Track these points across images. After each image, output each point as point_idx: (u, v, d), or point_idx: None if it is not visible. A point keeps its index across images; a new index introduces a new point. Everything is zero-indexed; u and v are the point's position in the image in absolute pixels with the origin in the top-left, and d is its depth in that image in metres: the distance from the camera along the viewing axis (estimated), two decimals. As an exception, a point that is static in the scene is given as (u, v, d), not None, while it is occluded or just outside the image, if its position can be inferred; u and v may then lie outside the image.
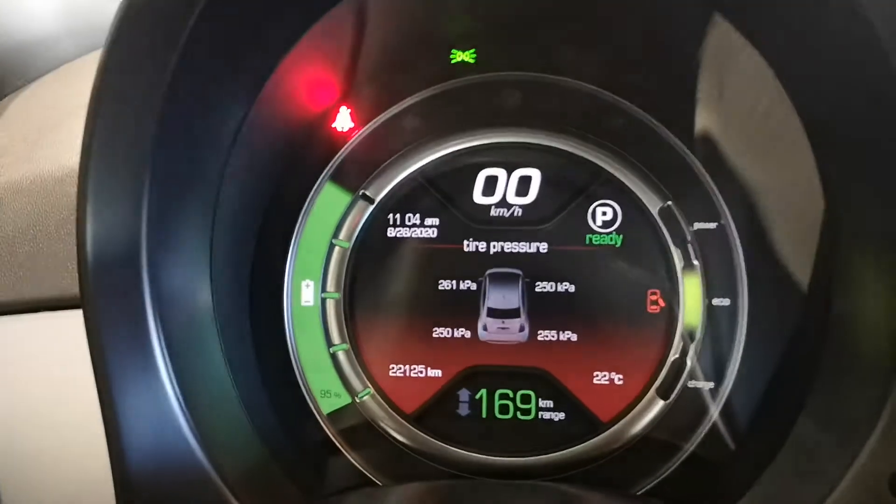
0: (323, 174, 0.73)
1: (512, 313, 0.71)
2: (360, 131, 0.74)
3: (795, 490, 0.55)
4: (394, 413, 0.71)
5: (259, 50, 0.62)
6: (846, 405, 0.56)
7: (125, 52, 0.53)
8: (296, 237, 0.73)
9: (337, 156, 0.73)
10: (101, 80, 0.53)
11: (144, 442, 0.52)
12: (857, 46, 0.51)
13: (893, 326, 0.52)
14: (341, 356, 0.72)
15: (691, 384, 0.70)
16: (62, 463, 0.62)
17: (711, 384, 0.69)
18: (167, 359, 0.54)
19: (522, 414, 0.71)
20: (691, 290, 0.70)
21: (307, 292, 0.73)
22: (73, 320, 0.62)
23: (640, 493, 0.69)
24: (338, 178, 0.73)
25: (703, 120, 0.69)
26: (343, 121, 0.73)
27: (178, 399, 0.54)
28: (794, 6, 0.54)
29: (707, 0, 0.60)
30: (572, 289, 0.71)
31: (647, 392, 0.70)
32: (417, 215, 0.72)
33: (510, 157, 0.72)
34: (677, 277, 0.70)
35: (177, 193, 0.58)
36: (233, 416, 0.62)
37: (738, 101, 0.66)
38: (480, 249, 0.72)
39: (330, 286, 0.73)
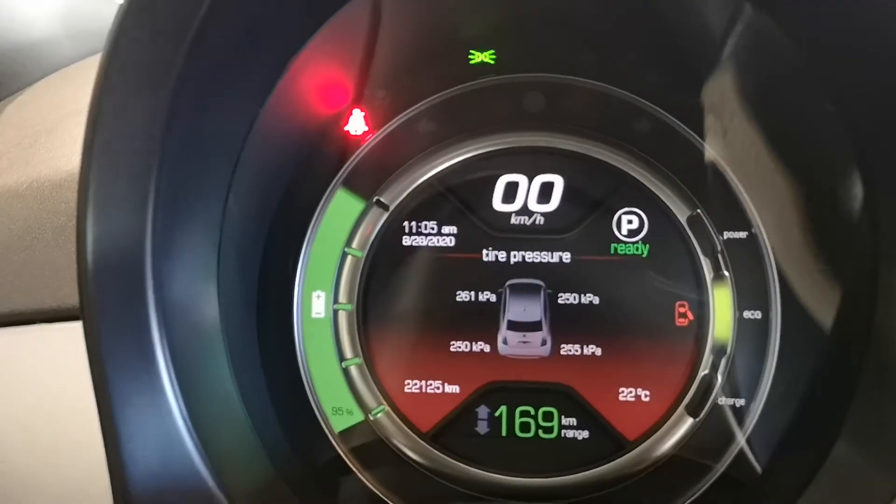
0: (335, 180, 0.71)
1: (533, 326, 0.68)
2: (375, 135, 0.71)
3: (835, 514, 0.53)
4: (409, 431, 0.68)
5: (269, 49, 0.59)
6: (888, 424, 0.53)
7: (129, 50, 0.50)
8: (306, 245, 0.70)
9: (350, 160, 0.71)
10: (104, 77, 0.50)
11: (147, 461, 0.49)
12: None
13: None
14: (354, 371, 0.69)
15: (721, 401, 0.67)
16: (59, 484, 0.60)
17: (743, 401, 0.67)
18: (172, 373, 0.51)
19: (544, 432, 0.68)
20: (721, 303, 0.67)
21: (318, 303, 0.70)
22: (71, 333, 0.60)
23: (669, 515, 0.66)
24: (351, 183, 0.71)
25: (733, 124, 0.67)
26: (356, 124, 0.71)
27: (183, 416, 0.51)
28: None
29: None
30: (597, 301, 0.68)
31: (675, 409, 0.67)
32: (434, 223, 0.70)
33: (531, 163, 0.70)
34: (707, 289, 0.68)
35: (183, 198, 0.55)
36: (240, 434, 0.60)
37: (772, 103, 0.64)
38: (500, 259, 0.69)
39: (342, 297, 0.70)
